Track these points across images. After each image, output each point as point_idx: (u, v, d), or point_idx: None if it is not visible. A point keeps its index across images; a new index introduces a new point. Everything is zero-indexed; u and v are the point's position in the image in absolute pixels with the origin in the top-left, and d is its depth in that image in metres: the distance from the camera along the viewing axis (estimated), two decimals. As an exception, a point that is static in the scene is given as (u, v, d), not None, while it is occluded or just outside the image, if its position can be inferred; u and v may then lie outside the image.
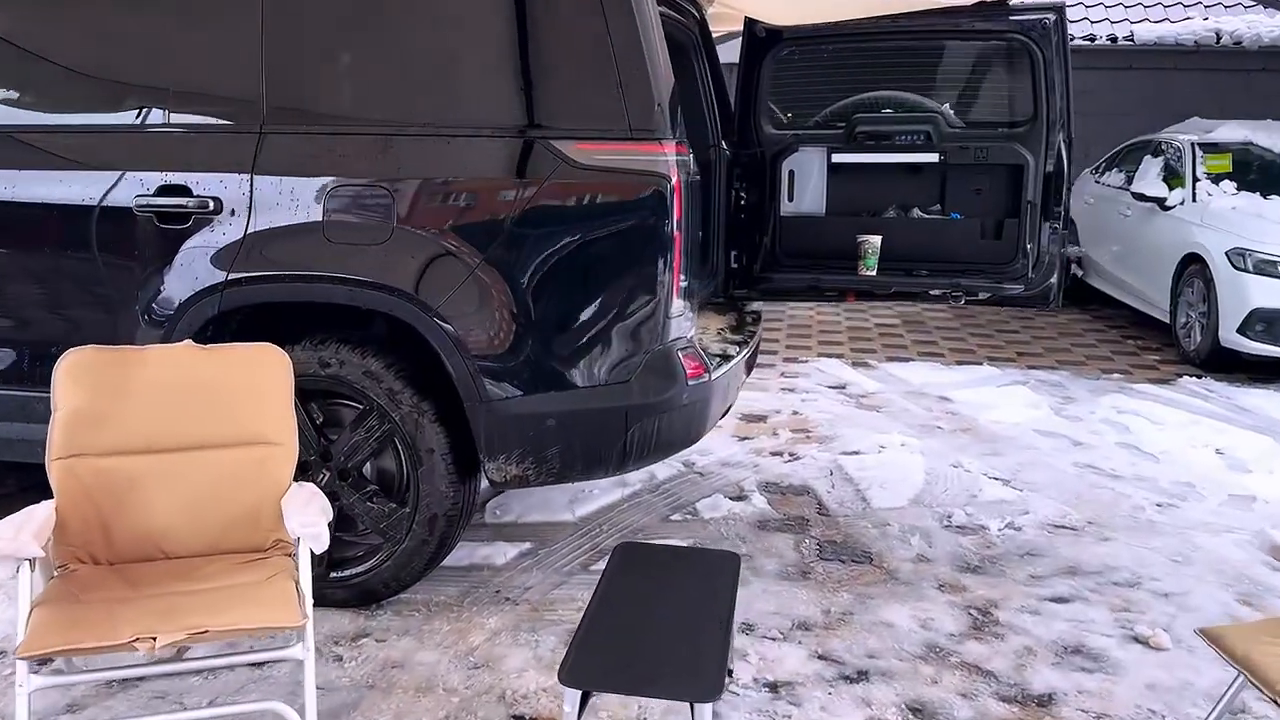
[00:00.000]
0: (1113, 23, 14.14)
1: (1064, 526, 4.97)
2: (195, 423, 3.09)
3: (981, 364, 8.38)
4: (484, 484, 3.99)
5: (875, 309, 10.79)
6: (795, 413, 6.85)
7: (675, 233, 3.73)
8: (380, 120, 3.68)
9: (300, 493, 3.09)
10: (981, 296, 4.81)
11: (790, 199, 5.30)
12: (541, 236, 3.68)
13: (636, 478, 5.42)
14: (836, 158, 5.18)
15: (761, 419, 6.69)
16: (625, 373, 3.76)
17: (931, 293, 4.80)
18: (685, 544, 4.65)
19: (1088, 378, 8.00)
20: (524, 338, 3.70)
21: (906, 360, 8.47)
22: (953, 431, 6.51)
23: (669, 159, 3.70)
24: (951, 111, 5.24)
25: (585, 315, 3.71)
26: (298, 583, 2.85)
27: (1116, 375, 8.12)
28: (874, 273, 5.07)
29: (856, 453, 6.02)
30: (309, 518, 2.87)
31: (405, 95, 3.68)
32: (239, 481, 3.09)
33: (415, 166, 3.66)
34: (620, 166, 3.69)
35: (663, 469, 5.64)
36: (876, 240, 5.06)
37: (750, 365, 4.98)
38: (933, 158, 5.03)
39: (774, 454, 6.00)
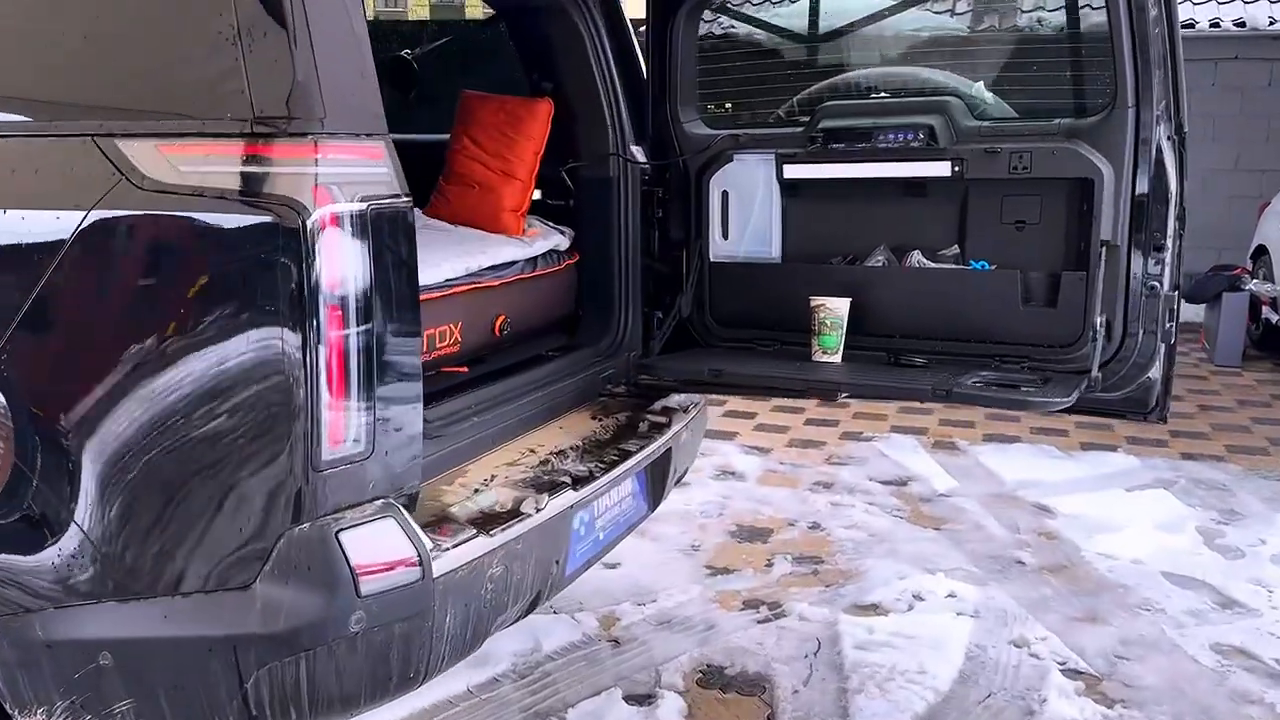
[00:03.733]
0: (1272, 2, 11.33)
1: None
2: None
3: (1116, 449, 6.11)
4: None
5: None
6: (815, 527, 4.88)
7: (329, 308, 2.00)
8: None
9: None
10: (1017, 398, 2.79)
11: (724, 234, 3.43)
12: (75, 318, 2.03)
13: (510, 645, 3.63)
14: (791, 170, 3.27)
15: (763, 536, 4.76)
16: (237, 573, 2.04)
17: (928, 391, 2.81)
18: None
19: (1269, 477, 5.63)
20: (48, 501, 2.03)
21: (1011, 441, 6.30)
22: (1037, 571, 4.40)
23: (320, 172, 1.99)
24: (986, 93, 3.24)
25: (153, 460, 2.03)
26: None
27: (1315, 473, 5.71)
28: (836, 357, 3.12)
29: (874, 608, 4.03)
30: None
31: None
32: None
33: None
34: (222, 186, 2.00)
35: (562, 628, 3.84)
36: (839, 306, 3.12)
37: (654, 495, 3.15)
38: (942, 168, 3.05)
39: (748, 605, 4.08)
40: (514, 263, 3.23)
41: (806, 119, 3.33)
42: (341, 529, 2.05)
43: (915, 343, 3.15)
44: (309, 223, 1.95)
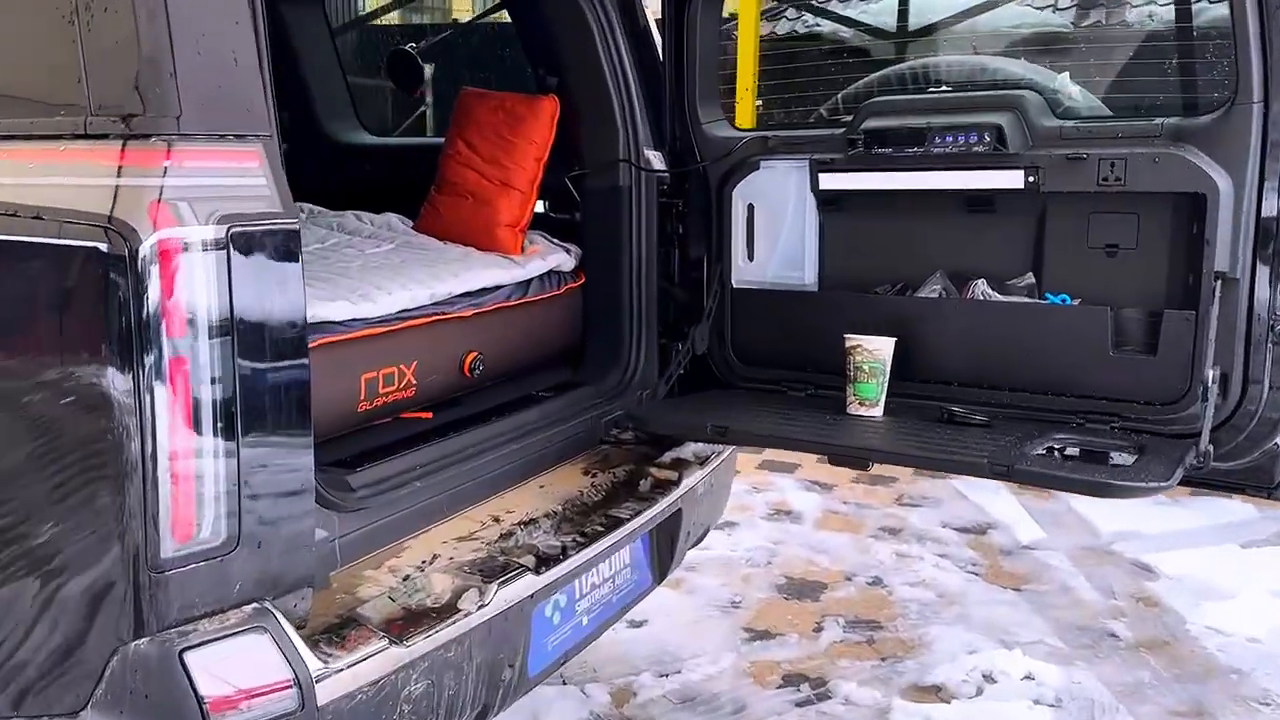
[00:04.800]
0: None
1: None
2: None
3: (1232, 495, 5.32)
4: None
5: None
6: (875, 583, 4.29)
7: (170, 360, 1.56)
8: None
9: None
10: (1099, 481, 2.18)
11: (748, 255, 2.88)
12: None
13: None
14: (829, 180, 2.71)
15: (814, 592, 4.19)
16: (63, 697, 1.62)
17: (984, 465, 2.20)
18: None
19: None
20: None
21: (1109, 481, 5.56)
22: (1133, 648, 3.75)
23: (168, 185, 1.55)
24: (1071, 85, 2.64)
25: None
26: None
27: None
28: (876, 409, 2.55)
29: (935, 692, 3.44)
30: None
31: None
32: None
33: None
34: (39, 203, 1.59)
35: (568, 703, 3.34)
36: (880, 347, 2.54)
37: (660, 564, 2.66)
38: (1013, 179, 2.46)
39: (788, 681, 3.53)
40: (497, 288, 2.75)
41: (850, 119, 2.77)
42: (189, 647, 1.59)
43: (976, 393, 2.56)
44: (141, 251, 1.50)
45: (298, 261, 1.70)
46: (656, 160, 3.00)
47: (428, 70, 3.84)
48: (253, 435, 1.64)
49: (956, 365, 2.60)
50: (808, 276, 2.83)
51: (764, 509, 5.09)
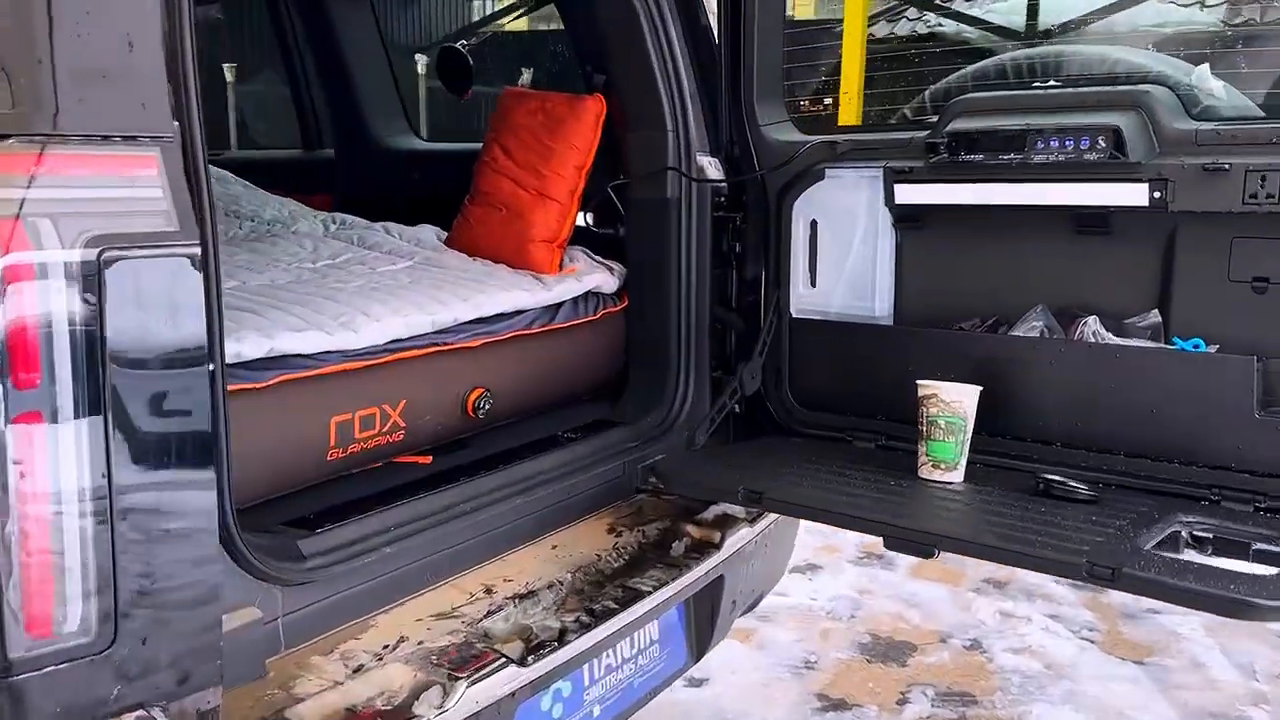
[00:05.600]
0: None
1: None
2: None
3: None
4: None
5: None
6: (973, 647, 3.79)
7: (24, 414, 1.26)
8: None
9: None
10: (1235, 598, 1.67)
11: (810, 280, 2.46)
12: None
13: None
14: (907, 192, 2.27)
15: (901, 655, 3.73)
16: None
17: (1081, 567, 1.71)
18: None
19: None
20: None
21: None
22: (1278, 747, 3.17)
23: (30, 197, 1.26)
24: (1211, 79, 2.14)
25: None
26: None
27: None
28: (954, 473, 2.09)
29: (1030, 784, 2.95)
30: None
31: None
32: None
33: None
34: None
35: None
36: (960, 399, 2.08)
37: (698, 641, 2.29)
38: (1135, 194, 1.98)
39: (859, 763, 3.08)
40: (517, 313, 2.40)
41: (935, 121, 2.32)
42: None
43: (1081, 457, 2.08)
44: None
45: (199, 288, 1.38)
46: (712, 168, 2.61)
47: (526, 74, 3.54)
48: (132, 498, 1.32)
49: (1058, 422, 2.12)
50: (879, 307, 2.39)
51: (852, 550, 4.63)
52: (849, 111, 5.54)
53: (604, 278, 2.69)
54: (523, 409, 2.45)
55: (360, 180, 3.72)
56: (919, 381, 2.12)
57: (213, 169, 3.61)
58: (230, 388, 1.78)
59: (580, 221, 2.83)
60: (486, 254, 2.76)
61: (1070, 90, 2.27)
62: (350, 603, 1.82)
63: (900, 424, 2.28)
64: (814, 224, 2.44)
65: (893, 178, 2.29)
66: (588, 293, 2.64)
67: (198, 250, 1.38)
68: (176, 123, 1.45)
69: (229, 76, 4.49)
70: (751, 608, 2.72)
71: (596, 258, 2.78)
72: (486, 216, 2.81)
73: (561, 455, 2.34)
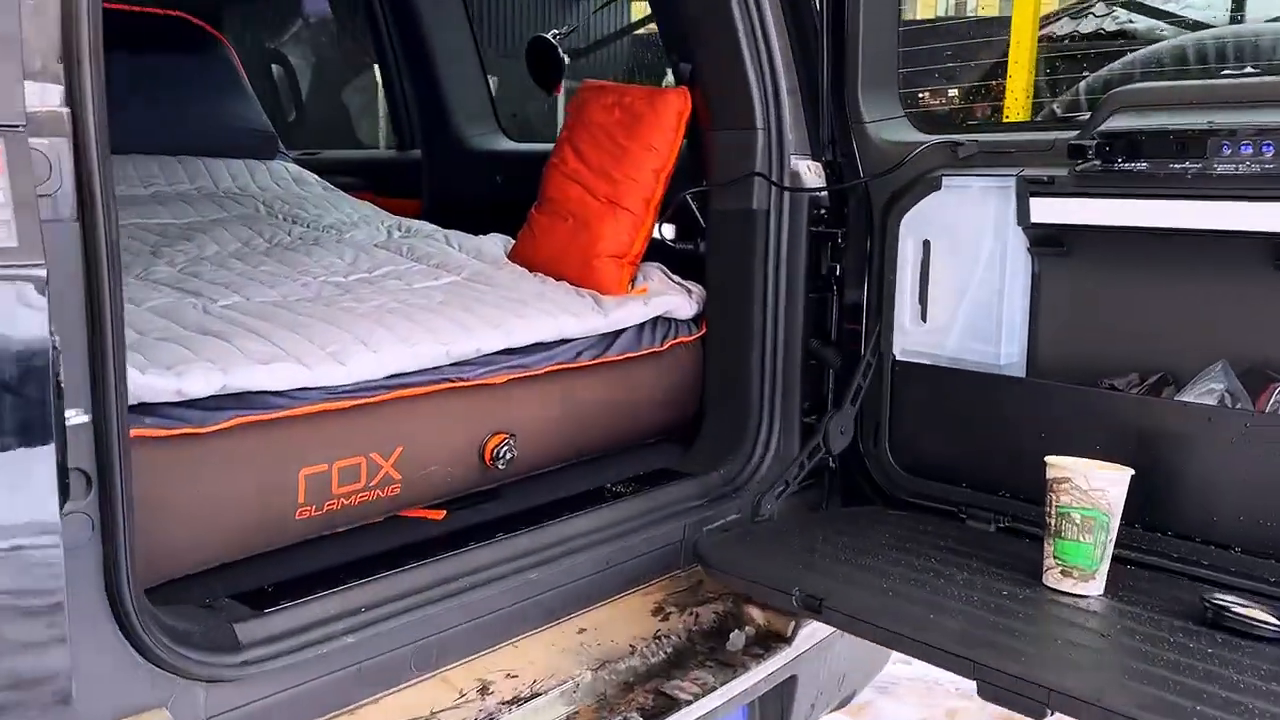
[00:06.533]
0: None
1: None
2: None
3: None
4: None
5: None
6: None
7: None
8: None
9: None
10: None
11: (920, 314, 1.98)
12: None
13: None
14: (1046, 208, 1.76)
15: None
16: None
17: None
18: None
19: None
20: None
21: None
22: None
23: None
24: None
25: None
26: None
27: None
28: (1090, 584, 1.58)
29: None
30: None
31: None
32: None
33: None
34: None
35: None
36: (1105, 487, 1.56)
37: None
38: None
39: None
40: (560, 343, 2.02)
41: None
42: None
43: (1270, 569, 1.55)
44: None
45: (39, 319, 1.06)
46: (809, 174, 2.16)
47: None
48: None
49: (1238, 522, 1.59)
50: (1006, 353, 1.88)
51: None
52: (1016, 107, 4.91)
53: (679, 301, 2.28)
54: (558, 457, 2.06)
55: (447, 183, 3.43)
56: (1049, 459, 1.61)
57: (293, 169, 3.45)
58: (163, 432, 1.48)
59: (658, 234, 2.45)
60: (549, 269, 2.40)
61: (1266, 80, 1.72)
62: (299, 704, 1.48)
63: (1028, 503, 1.79)
64: (926, 244, 1.96)
65: (1029, 189, 1.79)
66: (657, 319, 2.25)
67: (42, 272, 1.06)
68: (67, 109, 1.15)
69: (334, 76, 4.32)
70: (842, 705, 2.27)
71: (674, 278, 2.38)
72: (552, 226, 2.45)
73: (604, 514, 1.95)
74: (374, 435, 1.70)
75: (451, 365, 1.83)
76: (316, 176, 3.41)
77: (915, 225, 1.97)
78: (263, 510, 1.58)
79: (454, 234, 2.69)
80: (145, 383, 1.44)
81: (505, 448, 1.86)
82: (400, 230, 2.80)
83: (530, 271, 2.41)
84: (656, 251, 2.43)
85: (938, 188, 1.93)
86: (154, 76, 3.27)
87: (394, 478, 1.73)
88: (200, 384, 1.49)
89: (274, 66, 4.44)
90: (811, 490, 2.27)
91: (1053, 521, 1.60)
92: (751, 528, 2.05)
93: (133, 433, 1.43)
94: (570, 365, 2.02)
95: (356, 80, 4.42)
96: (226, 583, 1.55)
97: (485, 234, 2.61)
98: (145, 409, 1.47)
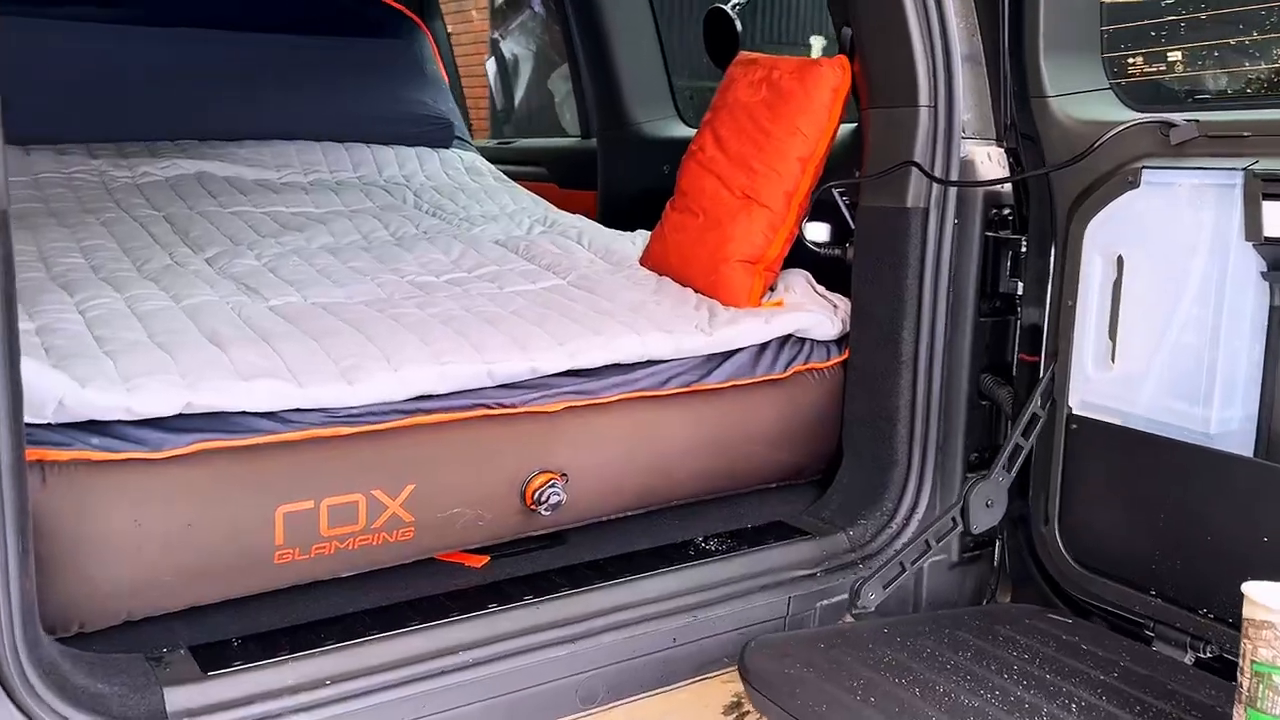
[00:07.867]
0: None
1: None
2: None
3: None
4: None
5: None
6: None
7: None
8: None
9: None
10: None
11: (1109, 353, 1.46)
12: None
13: None
14: (1286, 215, 1.23)
15: None
16: None
17: None
18: None
19: None
20: None
21: None
22: None
23: None
24: None
25: None
26: None
27: None
28: None
29: None
30: None
31: None
32: None
33: None
34: None
35: None
36: None
37: None
38: None
39: None
40: (648, 364, 1.68)
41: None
42: None
43: None
44: None
45: None
46: (991, 162, 1.69)
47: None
48: None
49: None
50: (1222, 419, 1.34)
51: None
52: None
53: (815, 319, 1.87)
54: (632, 505, 1.72)
55: (620, 173, 3.15)
56: (1249, 589, 1.09)
57: (468, 157, 3.28)
58: (104, 456, 1.28)
59: (808, 236, 2.04)
60: (676, 273, 2.06)
61: None
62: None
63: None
64: (1120, 261, 1.45)
65: (1262, 188, 1.26)
66: (785, 339, 1.85)
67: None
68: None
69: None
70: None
71: (820, 289, 1.97)
72: (683, 224, 2.09)
73: (679, 577, 1.59)
74: (379, 469, 1.43)
75: (495, 388, 1.54)
76: (491, 166, 3.23)
77: (1105, 235, 1.45)
78: (233, 551, 1.35)
79: (592, 231, 2.41)
80: (85, 398, 1.24)
81: (551, 490, 1.54)
82: (543, 225, 2.55)
83: (659, 276, 2.08)
84: (802, 258, 2.02)
85: (1136, 184, 1.41)
86: (338, 63, 3.20)
87: (404, 520, 1.45)
88: (155, 402, 1.28)
89: (491, 58, 4.35)
90: (979, 564, 1.80)
91: (1246, 679, 1.08)
92: (832, 632, 1.56)
93: (66, 455, 1.24)
94: (651, 393, 1.67)
95: (564, 68, 4.25)
96: (200, 629, 1.34)
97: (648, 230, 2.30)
98: (94, 428, 1.27)
